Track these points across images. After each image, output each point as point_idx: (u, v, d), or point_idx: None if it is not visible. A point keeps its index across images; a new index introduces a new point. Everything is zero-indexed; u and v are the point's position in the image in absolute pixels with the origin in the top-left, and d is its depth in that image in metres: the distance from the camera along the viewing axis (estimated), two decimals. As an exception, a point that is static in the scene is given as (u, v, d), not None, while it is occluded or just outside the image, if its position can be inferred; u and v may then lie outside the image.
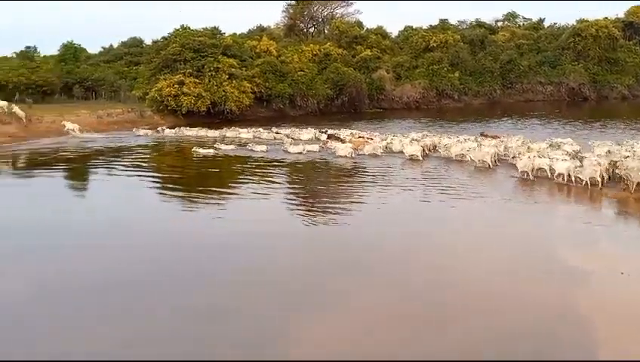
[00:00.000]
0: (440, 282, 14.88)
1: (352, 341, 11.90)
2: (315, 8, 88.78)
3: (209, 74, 58.34)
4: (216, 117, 58.15)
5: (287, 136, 43.72)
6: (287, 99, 66.29)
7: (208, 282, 15.13)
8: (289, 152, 36.46)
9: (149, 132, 48.96)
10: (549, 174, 26.56)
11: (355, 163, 32.96)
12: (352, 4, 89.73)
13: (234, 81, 59.47)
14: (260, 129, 46.99)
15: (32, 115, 49.49)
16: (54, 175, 31.50)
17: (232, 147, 38.96)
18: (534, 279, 14.92)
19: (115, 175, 30.96)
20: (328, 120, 57.00)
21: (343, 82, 69.35)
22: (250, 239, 18.47)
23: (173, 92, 56.81)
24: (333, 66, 70.55)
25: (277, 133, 45.84)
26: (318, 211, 22.72)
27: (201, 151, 37.01)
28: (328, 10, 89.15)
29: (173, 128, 50.30)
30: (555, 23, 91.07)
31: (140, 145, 41.85)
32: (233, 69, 59.97)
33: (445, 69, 76.92)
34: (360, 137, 39.80)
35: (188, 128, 49.78)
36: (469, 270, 15.64)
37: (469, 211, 22.02)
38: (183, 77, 57.49)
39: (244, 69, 62.60)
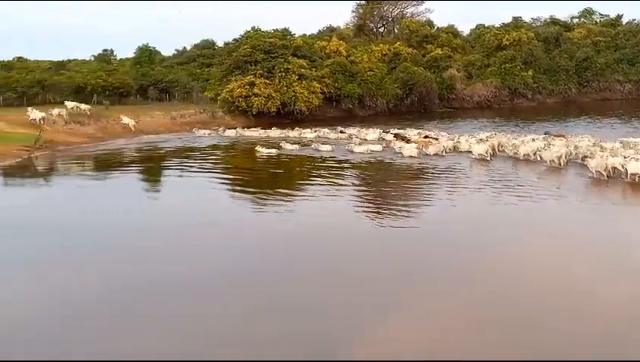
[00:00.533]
0: (526, 287, 14.52)
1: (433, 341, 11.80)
2: (385, 8, 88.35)
3: (279, 75, 58.89)
4: (285, 117, 58.67)
5: (352, 136, 43.92)
6: (357, 99, 66.22)
7: (293, 280, 15.34)
8: (354, 152, 36.49)
9: (207, 132, 49.90)
10: (623, 174, 25.67)
11: (420, 163, 32.62)
12: (422, 3, 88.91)
13: (304, 82, 59.85)
14: (326, 129, 47.32)
15: (109, 117, 51.37)
16: (130, 174, 32.62)
17: (295, 147, 39.20)
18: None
19: (186, 176, 31.54)
20: (397, 120, 56.66)
21: (412, 82, 68.82)
22: (323, 239, 18.67)
23: (244, 93, 57.63)
24: (402, 66, 70.09)
25: (341, 132, 46.10)
26: (388, 212, 22.51)
27: (264, 150, 37.44)
28: (398, 10, 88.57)
29: (234, 129, 50.98)
30: (634, 20, 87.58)
31: (208, 146, 42.50)
32: (303, 70, 60.34)
33: (518, 67, 75.30)
34: (426, 137, 39.44)
35: (248, 129, 50.59)
36: (557, 276, 15.19)
37: (544, 212, 21.46)
38: (254, 78, 58.22)
39: (313, 69, 62.89)
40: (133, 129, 49.39)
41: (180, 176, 31.78)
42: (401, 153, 34.72)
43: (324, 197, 25.15)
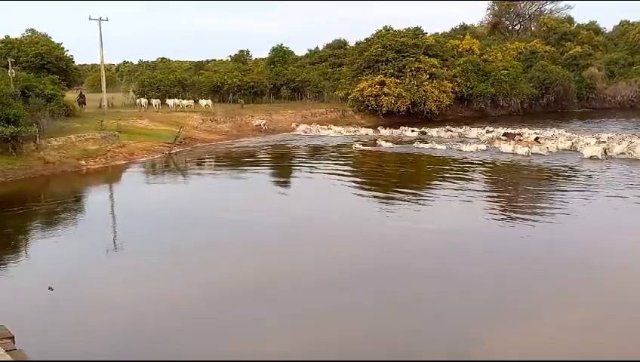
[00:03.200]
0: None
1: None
2: (522, 5, 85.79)
3: (410, 74, 58.54)
4: (415, 117, 58.29)
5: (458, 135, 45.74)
6: (489, 98, 64.79)
7: (413, 279, 15.40)
8: (461, 150, 37.60)
9: (338, 130, 50.88)
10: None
11: (530, 161, 33.37)
12: (561, 0, 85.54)
13: (434, 81, 59.16)
14: (439, 129, 48.15)
15: (244, 114, 53.39)
16: (262, 171, 33.75)
17: (389, 144, 41.22)
18: None
19: (314, 173, 32.12)
20: (531, 120, 54.75)
21: (549, 81, 66.46)
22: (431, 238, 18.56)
23: (374, 92, 57.80)
24: (539, 64, 67.78)
25: (448, 130, 47.45)
26: (507, 213, 21.91)
27: (359, 146, 40.24)
28: (536, 7, 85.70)
29: (323, 125, 52.54)
30: None
31: (336, 145, 42.96)
32: (434, 69, 59.63)
33: (666, 65, 70.72)
34: (536, 139, 39.45)
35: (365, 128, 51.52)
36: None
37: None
38: (384, 77, 58.24)
39: (445, 68, 62.04)
40: (264, 128, 50.86)
41: (308, 174, 32.33)
42: (510, 151, 36.03)
43: (443, 197, 24.81)
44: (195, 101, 57.23)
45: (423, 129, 48.41)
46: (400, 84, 58.09)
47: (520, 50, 71.83)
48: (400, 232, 19.45)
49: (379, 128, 50.86)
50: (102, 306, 13.65)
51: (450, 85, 60.80)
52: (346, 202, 25.05)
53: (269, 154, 39.87)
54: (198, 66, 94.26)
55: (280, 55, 75.91)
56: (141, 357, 11.27)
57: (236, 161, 37.56)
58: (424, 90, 58.16)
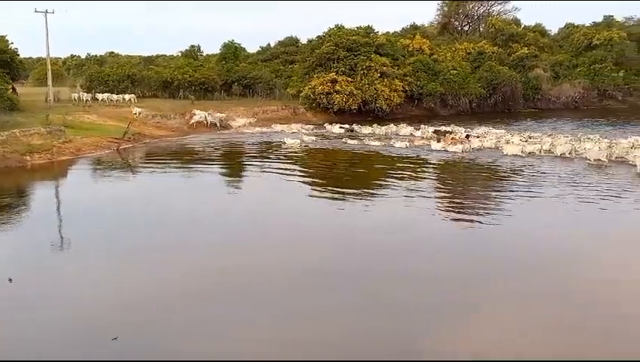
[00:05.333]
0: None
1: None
2: (471, 6, 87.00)
3: (361, 72, 58.85)
4: (367, 115, 58.67)
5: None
6: (439, 97, 65.61)
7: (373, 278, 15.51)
8: (393, 147, 39.09)
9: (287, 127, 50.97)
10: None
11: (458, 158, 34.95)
12: (509, 1, 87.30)
13: (385, 80, 59.65)
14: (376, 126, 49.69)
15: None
16: (211, 168, 33.52)
17: (313, 138, 43.42)
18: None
19: (265, 170, 32.14)
20: (480, 119, 55.77)
21: (496, 81, 67.68)
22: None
23: (325, 90, 57.93)
24: (487, 65, 68.93)
25: (377, 128, 48.73)
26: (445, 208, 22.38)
27: (289, 141, 41.00)
28: (484, 8, 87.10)
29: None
30: None
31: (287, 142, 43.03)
32: (385, 68, 60.10)
33: (609, 67, 72.96)
34: (467, 136, 41.55)
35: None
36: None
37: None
38: (336, 75, 58.44)
39: (396, 67, 62.62)
40: (205, 122, 50.40)
41: (258, 170, 32.38)
42: (440, 148, 37.50)
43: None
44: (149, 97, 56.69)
45: (352, 126, 50.02)
46: (351, 82, 58.36)
47: (469, 51, 72.90)
48: (340, 231, 19.65)
49: (325, 125, 51.63)
50: (39, 304, 13.45)
51: (401, 84, 61.39)
52: (291, 200, 25.22)
53: (217, 150, 39.59)
54: (148, 61, 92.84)
55: (231, 51, 75.32)
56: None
57: (186, 157, 37.24)
58: (375, 89, 58.57)
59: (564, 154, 33.97)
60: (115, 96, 55.90)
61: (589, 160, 31.64)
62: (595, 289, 14.42)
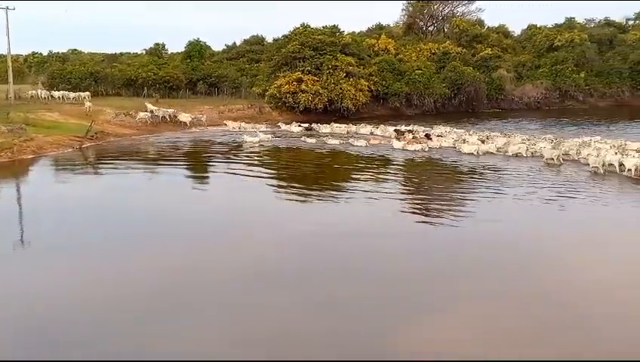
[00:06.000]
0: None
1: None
2: (436, 7, 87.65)
3: (327, 72, 58.99)
4: (332, 114, 58.70)
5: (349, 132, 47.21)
6: (404, 97, 66.00)
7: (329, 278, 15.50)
8: (353, 145, 39.61)
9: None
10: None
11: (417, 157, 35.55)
12: (473, 2, 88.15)
13: (351, 79, 59.87)
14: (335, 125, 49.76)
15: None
16: (174, 166, 33.26)
17: (269, 136, 43.34)
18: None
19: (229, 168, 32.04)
20: (444, 119, 56.28)
21: (461, 81, 68.34)
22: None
23: (291, 89, 57.96)
24: (451, 65, 69.59)
25: (337, 127, 48.90)
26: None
27: (249, 139, 41.24)
28: (449, 9, 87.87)
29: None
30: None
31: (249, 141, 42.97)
32: (351, 67, 60.34)
33: (570, 69, 74.19)
34: (427, 135, 42.14)
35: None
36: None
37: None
38: (302, 74, 58.47)
39: (361, 67, 62.92)
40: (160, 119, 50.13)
41: (218, 168, 32.31)
42: (400, 147, 38.05)
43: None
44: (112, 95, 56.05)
45: (310, 125, 50.06)
46: (317, 81, 58.45)
47: (433, 51, 73.49)
48: (299, 230, 19.70)
49: (279, 124, 51.70)
50: None
51: (367, 84, 61.68)
52: (251, 198, 25.19)
53: (180, 149, 39.31)
54: (112, 59, 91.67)
55: (196, 50, 74.79)
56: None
57: (148, 156, 36.97)
58: (341, 88, 58.74)
59: (519, 153, 34.75)
60: (71, 94, 55.13)
61: (545, 159, 32.35)
62: (561, 290, 14.58)
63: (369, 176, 29.30)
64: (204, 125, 50.22)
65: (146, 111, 49.43)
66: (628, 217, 21.54)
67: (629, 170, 27.64)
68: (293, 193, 26.05)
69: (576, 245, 18.18)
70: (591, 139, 37.06)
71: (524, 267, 15.99)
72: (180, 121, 49.91)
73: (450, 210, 22.17)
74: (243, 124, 50.73)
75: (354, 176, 29.63)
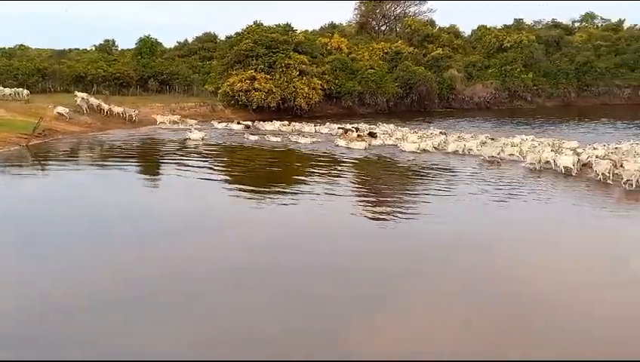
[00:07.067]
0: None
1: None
2: (388, 6, 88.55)
3: (280, 70, 58.95)
4: (285, 112, 58.68)
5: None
6: (357, 96, 66.41)
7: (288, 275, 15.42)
8: (297, 143, 39.76)
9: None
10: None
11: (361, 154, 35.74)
12: (424, 2, 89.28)
13: (304, 78, 59.95)
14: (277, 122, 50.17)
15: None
16: (124, 164, 32.69)
17: (206, 134, 42.85)
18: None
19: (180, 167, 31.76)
20: (397, 118, 56.79)
21: (412, 81, 69.05)
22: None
23: (244, 87, 57.74)
24: (403, 65, 70.28)
25: (282, 124, 49.26)
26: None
27: (193, 135, 41.42)
28: (401, 9, 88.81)
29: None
30: (635, 25, 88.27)
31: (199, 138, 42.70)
32: (304, 66, 60.42)
33: (518, 69, 75.88)
34: (371, 133, 42.69)
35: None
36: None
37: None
38: (255, 72, 58.30)
39: (314, 65, 63.03)
40: (126, 118, 49.51)
41: (167, 165, 31.97)
42: (344, 145, 38.31)
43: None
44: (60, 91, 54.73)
45: (253, 122, 50.31)
46: (270, 79, 58.36)
47: (386, 51, 74.09)
48: (252, 229, 19.60)
49: (212, 122, 51.70)
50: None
51: (320, 82, 61.81)
52: (202, 196, 24.99)
53: (130, 147, 38.68)
54: (61, 55, 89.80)
55: (147, 46, 73.69)
56: None
57: (97, 154, 36.20)
58: (294, 87, 58.80)
59: (457, 151, 35.55)
60: (7, 90, 53.03)
61: (486, 157, 33.10)
62: (515, 288, 14.77)
63: (317, 176, 29.21)
64: (134, 120, 49.63)
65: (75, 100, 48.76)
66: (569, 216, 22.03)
67: (565, 167, 28.48)
68: (242, 191, 25.80)
69: (533, 244, 18.43)
70: (524, 138, 37.94)
71: (488, 268, 16.20)
72: (115, 112, 49.58)
73: (399, 210, 22.33)
74: (172, 117, 50.81)
75: (304, 176, 29.43)
